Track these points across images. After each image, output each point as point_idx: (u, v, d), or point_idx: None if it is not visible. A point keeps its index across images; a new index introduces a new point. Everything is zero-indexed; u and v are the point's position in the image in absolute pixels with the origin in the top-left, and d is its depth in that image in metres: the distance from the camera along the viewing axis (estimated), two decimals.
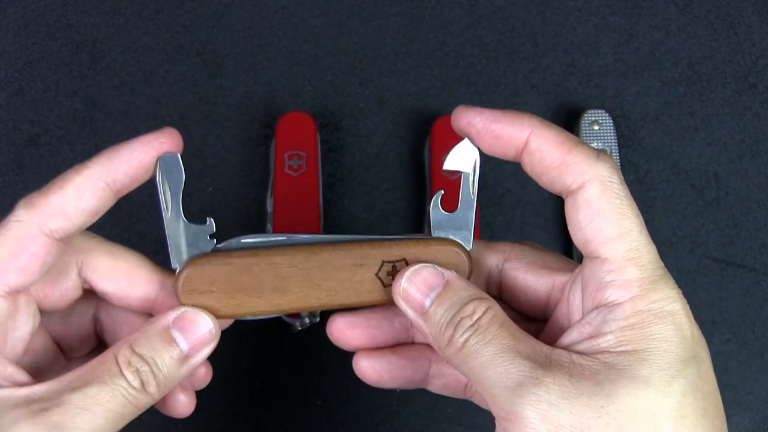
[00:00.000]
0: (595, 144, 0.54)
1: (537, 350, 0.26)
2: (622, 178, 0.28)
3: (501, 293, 0.32)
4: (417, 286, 0.28)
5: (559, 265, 0.30)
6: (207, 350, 0.28)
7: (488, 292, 0.29)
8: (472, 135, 0.28)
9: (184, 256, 0.29)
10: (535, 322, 0.31)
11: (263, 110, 0.56)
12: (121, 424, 0.26)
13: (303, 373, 0.51)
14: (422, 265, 0.28)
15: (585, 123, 0.54)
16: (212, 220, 0.29)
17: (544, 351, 0.26)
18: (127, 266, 0.29)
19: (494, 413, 0.26)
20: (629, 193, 0.27)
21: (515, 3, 0.60)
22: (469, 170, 0.29)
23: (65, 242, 0.28)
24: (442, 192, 0.30)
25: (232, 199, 0.54)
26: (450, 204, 0.30)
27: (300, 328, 0.50)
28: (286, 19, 0.59)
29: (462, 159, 0.29)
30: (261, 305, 0.29)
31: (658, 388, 0.24)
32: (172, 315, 0.28)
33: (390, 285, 0.29)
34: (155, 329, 0.27)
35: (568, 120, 0.57)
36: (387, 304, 0.30)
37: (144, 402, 0.27)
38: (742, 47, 0.59)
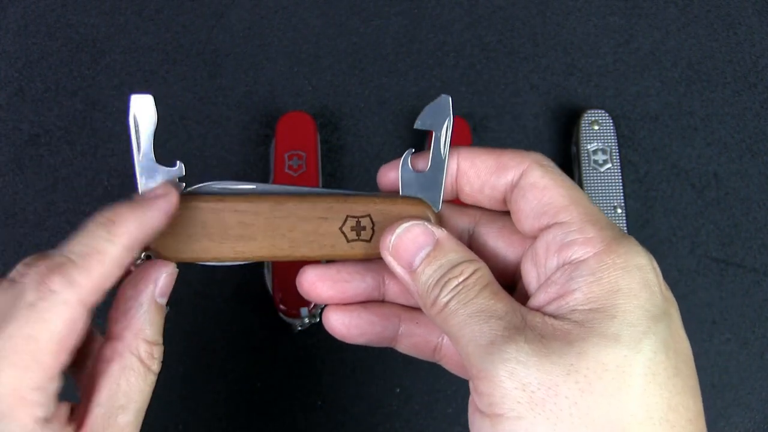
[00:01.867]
0: (595, 144, 0.54)
1: (515, 311, 0.26)
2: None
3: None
4: (406, 244, 0.28)
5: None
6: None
7: None
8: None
9: None
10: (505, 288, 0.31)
11: (263, 110, 0.56)
12: None
13: (303, 373, 0.51)
14: (413, 222, 0.28)
15: (585, 123, 0.54)
16: (182, 163, 0.29)
17: (521, 312, 0.26)
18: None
19: (468, 372, 0.26)
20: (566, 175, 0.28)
21: (515, 3, 0.60)
22: (441, 130, 0.28)
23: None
24: (413, 150, 0.29)
25: None
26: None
27: (300, 328, 0.50)
28: (286, 19, 0.59)
29: (434, 118, 0.28)
30: (225, 251, 0.29)
31: (628, 345, 0.24)
32: (151, 287, 0.28)
33: (354, 240, 0.29)
34: (149, 308, 0.28)
35: (568, 120, 0.57)
36: (350, 259, 0.30)
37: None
38: (742, 47, 0.59)
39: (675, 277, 0.52)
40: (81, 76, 0.57)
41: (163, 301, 0.28)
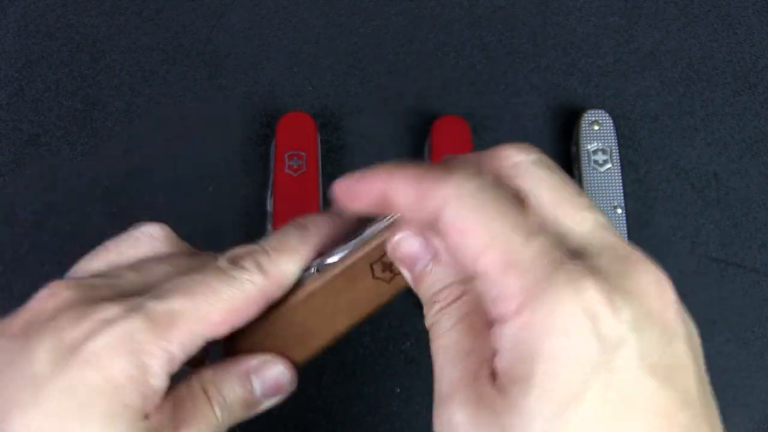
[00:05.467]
0: (595, 144, 0.54)
1: (472, 359, 0.24)
2: (485, 179, 0.24)
3: None
4: (407, 250, 0.26)
5: None
6: (279, 397, 0.29)
7: None
8: (343, 203, 0.27)
9: None
10: None
11: (263, 110, 0.56)
12: None
13: (303, 374, 0.51)
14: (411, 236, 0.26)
15: (585, 123, 0.54)
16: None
17: (478, 360, 0.23)
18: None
19: None
20: (496, 192, 0.23)
21: (515, 3, 0.60)
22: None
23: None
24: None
25: (232, 199, 0.54)
26: None
27: None
28: (286, 19, 0.59)
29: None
30: (301, 352, 0.30)
31: (547, 425, 0.21)
32: (255, 362, 0.29)
33: (392, 275, 0.28)
34: (236, 372, 0.28)
35: (568, 120, 0.57)
36: (401, 290, 0.29)
37: None
38: (742, 47, 0.59)
39: (675, 277, 0.52)
40: (81, 76, 0.57)
41: (258, 387, 0.29)
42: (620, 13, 0.60)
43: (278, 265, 0.28)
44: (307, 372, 0.51)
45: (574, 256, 0.22)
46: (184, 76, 0.57)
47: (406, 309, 0.51)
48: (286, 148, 0.53)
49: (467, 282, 0.25)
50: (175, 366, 0.27)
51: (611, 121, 0.55)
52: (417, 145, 0.56)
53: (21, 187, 0.54)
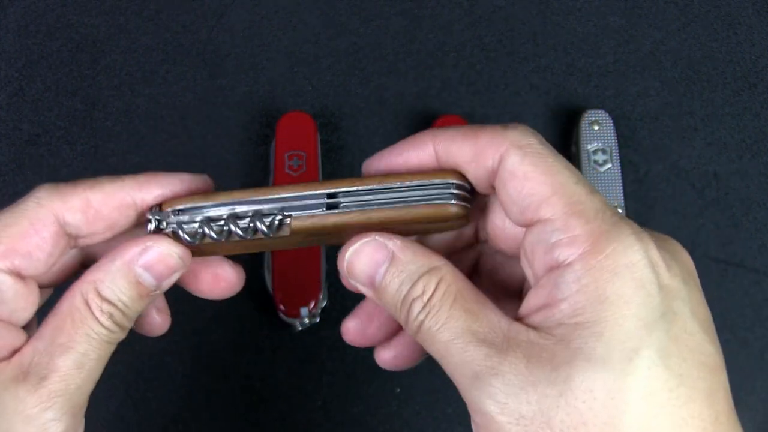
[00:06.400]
0: (595, 144, 0.54)
1: (494, 327, 0.23)
2: (542, 138, 0.25)
3: (484, 231, 0.29)
4: (361, 266, 0.26)
5: None
6: (174, 277, 0.27)
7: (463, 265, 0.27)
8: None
9: None
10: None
11: (263, 110, 0.56)
12: (106, 360, 0.26)
13: (303, 373, 0.51)
14: (362, 241, 0.26)
15: (585, 123, 0.54)
16: None
17: (501, 327, 0.23)
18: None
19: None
20: (554, 150, 0.25)
21: (515, 3, 0.60)
22: None
23: (75, 246, 0.27)
24: None
25: None
26: None
27: (300, 328, 0.50)
28: (286, 19, 0.59)
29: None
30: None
31: (618, 368, 0.21)
32: (135, 250, 0.26)
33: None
34: (118, 268, 0.26)
35: (568, 120, 0.57)
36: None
37: (122, 337, 0.27)
38: (742, 47, 0.59)
39: None
40: (81, 76, 0.57)
41: (147, 276, 0.26)
42: (620, 13, 0.60)
43: (82, 189, 0.26)
44: (307, 372, 0.51)
45: None
46: (184, 76, 0.57)
47: None
48: (286, 148, 0.53)
49: (437, 267, 0.25)
50: None
51: (611, 121, 0.55)
52: None
53: (21, 187, 0.54)
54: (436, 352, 0.24)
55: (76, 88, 0.57)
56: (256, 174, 0.54)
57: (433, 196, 0.26)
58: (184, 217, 0.26)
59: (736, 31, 0.59)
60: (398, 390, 0.50)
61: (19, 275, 0.26)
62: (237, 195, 0.27)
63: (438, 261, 0.25)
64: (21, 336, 0.26)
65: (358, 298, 0.29)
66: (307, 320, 0.49)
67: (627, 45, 0.59)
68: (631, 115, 0.57)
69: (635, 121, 0.57)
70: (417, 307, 0.24)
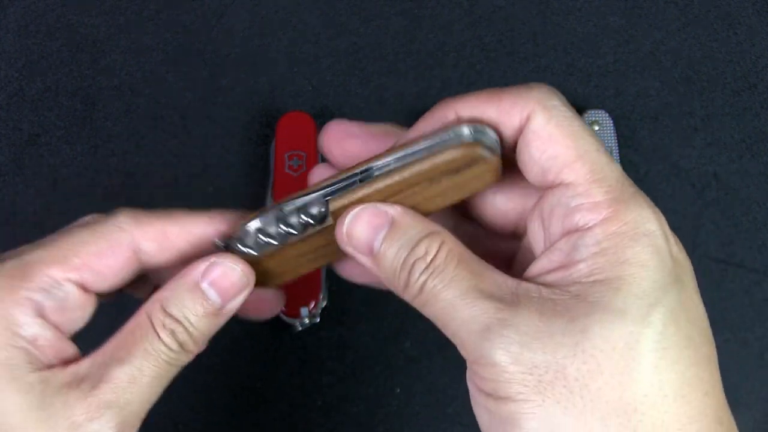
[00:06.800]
0: None
1: (501, 286, 0.24)
2: (565, 99, 0.25)
3: (469, 208, 0.29)
4: (360, 231, 0.26)
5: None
6: (241, 297, 0.28)
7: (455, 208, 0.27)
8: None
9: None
10: (507, 239, 0.29)
11: (263, 110, 0.56)
12: (165, 384, 0.27)
13: (303, 373, 0.51)
14: (361, 207, 0.26)
15: (585, 123, 0.54)
16: None
17: (509, 285, 0.24)
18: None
19: (463, 356, 0.24)
20: (577, 114, 0.25)
21: (515, 3, 0.60)
22: None
23: (143, 270, 0.28)
24: None
25: (232, 199, 0.54)
26: None
27: (300, 328, 0.50)
28: (286, 19, 0.59)
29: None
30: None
31: (636, 319, 0.22)
32: (201, 267, 0.27)
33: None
34: (184, 285, 0.27)
35: None
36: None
37: (185, 360, 0.27)
38: (742, 47, 0.59)
39: None
40: (81, 76, 0.57)
41: (212, 293, 0.27)
42: (620, 13, 0.60)
43: (159, 220, 0.27)
44: (307, 372, 0.51)
45: None
46: (184, 76, 0.57)
47: (406, 309, 0.51)
48: (286, 148, 0.53)
49: (438, 231, 0.25)
50: (50, 312, 0.26)
51: (611, 121, 0.55)
52: None
53: (21, 187, 0.54)
54: (440, 310, 0.24)
55: (76, 88, 0.57)
56: (256, 174, 0.54)
57: (460, 138, 0.25)
58: (243, 233, 0.28)
59: (736, 31, 0.59)
60: (398, 390, 0.50)
61: (85, 288, 0.27)
62: (281, 202, 0.28)
63: (438, 227, 0.26)
64: (70, 346, 0.27)
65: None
66: (307, 320, 0.49)
67: (627, 45, 0.59)
68: (631, 115, 0.57)
69: (635, 121, 0.57)
70: (419, 267, 0.24)
